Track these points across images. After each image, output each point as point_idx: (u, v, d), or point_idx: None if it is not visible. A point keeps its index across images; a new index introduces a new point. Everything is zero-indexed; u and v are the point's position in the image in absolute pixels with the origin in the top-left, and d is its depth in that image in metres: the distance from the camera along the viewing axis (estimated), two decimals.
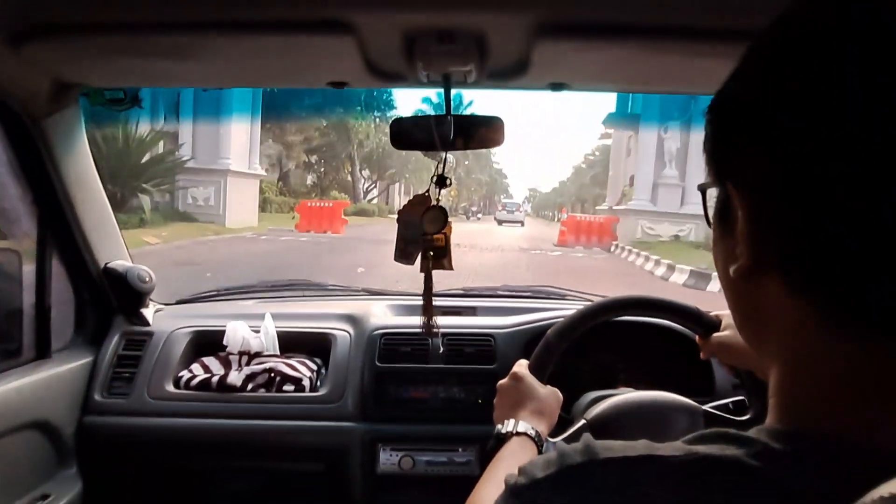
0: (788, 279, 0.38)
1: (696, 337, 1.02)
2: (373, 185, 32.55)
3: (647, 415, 1.01)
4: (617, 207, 19.20)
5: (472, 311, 1.70)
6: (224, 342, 1.48)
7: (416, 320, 1.28)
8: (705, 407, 1.07)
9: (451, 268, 1.12)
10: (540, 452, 0.89)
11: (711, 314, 1.01)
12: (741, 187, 0.40)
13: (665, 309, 1.06)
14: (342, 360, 1.45)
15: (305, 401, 1.40)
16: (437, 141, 1.09)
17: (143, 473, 1.42)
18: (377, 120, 26.93)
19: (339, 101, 22.37)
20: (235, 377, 1.41)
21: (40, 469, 1.29)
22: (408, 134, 1.15)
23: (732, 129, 0.41)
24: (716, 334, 0.98)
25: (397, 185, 35.26)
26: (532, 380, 0.99)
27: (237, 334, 1.48)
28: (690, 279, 10.84)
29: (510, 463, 0.83)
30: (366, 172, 31.51)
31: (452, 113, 1.09)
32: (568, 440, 0.98)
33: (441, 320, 1.54)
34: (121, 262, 1.49)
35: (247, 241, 13.11)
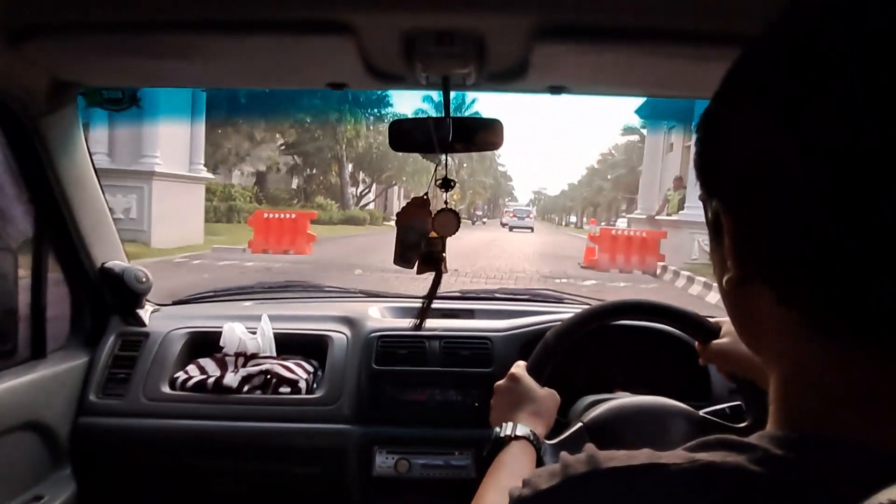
0: (775, 291, 0.39)
1: (696, 343, 1.02)
2: (367, 190, 29.22)
3: (644, 420, 1.01)
4: (660, 218, 14.71)
5: (469, 313, 1.70)
6: (220, 343, 1.47)
7: (413, 322, 1.28)
8: (703, 412, 1.07)
9: (446, 270, 1.13)
10: (539, 456, 0.89)
11: (712, 321, 1.01)
12: (724, 204, 0.41)
13: (666, 314, 1.06)
14: (339, 362, 1.45)
15: (301, 403, 1.40)
16: (435, 143, 1.09)
17: (137, 475, 1.42)
18: (371, 118, 23.86)
19: (322, 100, 19.31)
20: (231, 379, 1.40)
21: (34, 470, 1.29)
22: (406, 136, 1.15)
23: (714, 148, 0.42)
24: (715, 341, 0.98)
25: (396, 189, 33.20)
26: (530, 381, 0.99)
27: (234, 335, 1.47)
28: None
29: (511, 469, 0.83)
30: (359, 175, 28.71)
31: (454, 112, 1.09)
32: (565, 442, 0.98)
33: (438, 323, 1.55)
34: (117, 262, 1.49)
35: (171, 267, 9.26)
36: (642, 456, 0.40)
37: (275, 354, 1.49)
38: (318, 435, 1.37)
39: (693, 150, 0.45)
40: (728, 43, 0.78)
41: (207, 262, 10.57)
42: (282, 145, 23.76)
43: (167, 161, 11.90)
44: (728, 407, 1.10)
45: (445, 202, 1.12)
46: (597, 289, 9.43)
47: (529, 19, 0.86)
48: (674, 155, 17.36)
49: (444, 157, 1.12)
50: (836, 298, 0.35)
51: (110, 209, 1.49)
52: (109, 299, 1.50)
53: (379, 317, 1.59)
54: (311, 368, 1.47)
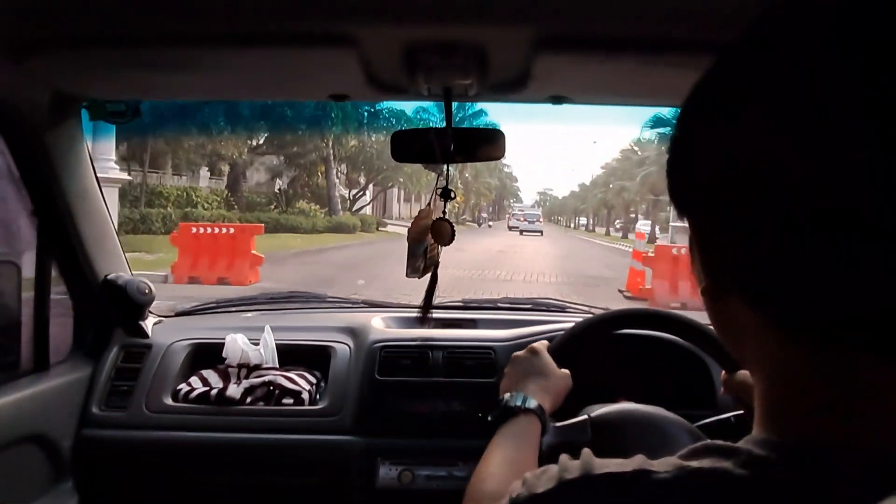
0: (744, 298, 0.40)
1: (722, 372, 1.02)
2: (361, 193, 26.02)
3: (649, 430, 1.01)
4: None
5: (472, 323, 1.69)
6: (223, 355, 1.47)
7: (417, 333, 1.28)
8: (707, 421, 1.07)
9: (436, 278, 1.17)
10: (544, 432, 0.90)
11: None
12: (691, 218, 0.43)
13: (700, 336, 1.06)
14: (341, 372, 1.45)
15: (304, 414, 1.39)
16: (437, 154, 1.10)
17: (140, 487, 1.41)
18: (365, 114, 20.18)
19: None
20: (234, 390, 1.40)
21: (37, 483, 1.28)
22: (408, 146, 1.16)
23: (680, 161, 0.44)
24: (742, 371, 0.98)
25: (396, 191, 31.33)
26: (548, 357, 1.01)
27: (236, 347, 1.47)
28: None
29: (518, 443, 0.85)
30: (352, 176, 25.64)
31: (458, 115, 1.10)
32: (568, 428, 0.98)
33: (441, 333, 1.54)
34: (121, 274, 1.49)
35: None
36: (633, 463, 0.42)
37: (277, 365, 1.49)
38: (321, 446, 1.37)
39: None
40: None
41: None
42: (259, 144, 20.65)
43: None
44: (733, 416, 1.10)
45: (444, 212, 1.13)
46: None
47: (530, 30, 0.86)
48: None
49: (445, 166, 1.13)
50: (798, 303, 0.37)
51: None
52: (112, 311, 1.50)
53: (382, 327, 1.59)
54: (313, 379, 1.47)
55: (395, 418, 1.39)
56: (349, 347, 1.49)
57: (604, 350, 1.35)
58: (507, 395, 0.92)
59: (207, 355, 1.50)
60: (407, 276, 1.15)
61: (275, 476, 1.38)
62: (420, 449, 1.37)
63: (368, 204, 27.09)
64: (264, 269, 9.16)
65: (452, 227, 1.13)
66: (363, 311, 1.81)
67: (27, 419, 1.24)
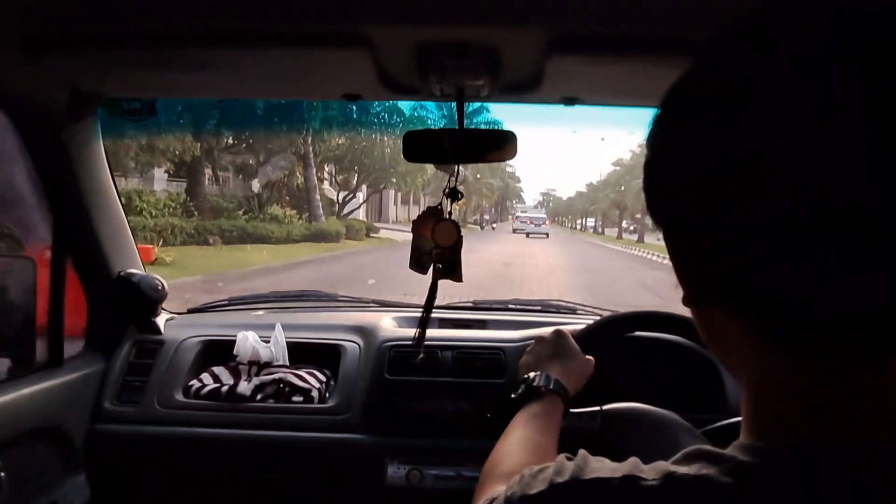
0: (721, 307, 0.41)
1: None
2: (351, 195, 22.40)
3: (659, 431, 1.00)
4: None
5: (482, 324, 1.69)
6: (234, 352, 1.48)
7: (427, 333, 1.28)
8: (718, 425, 1.06)
9: (460, 280, 1.13)
10: (566, 414, 0.91)
11: None
12: (665, 228, 0.43)
13: None
14: (351, 371, 1.45)
15: (314, 412, 1.40)
16: (449, 154, 1.10)
17: (150, 481, 1.42)
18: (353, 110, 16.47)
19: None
20: (245, 387, 1.41)
21: (50, 476, 1.30)
22: (420, 147, 1.16)
23: (653, 171, 0.44)
24: None
25: (391, 192, 29.04)
26: (573, 342, 1.01)
27: (247, 344, 1.48)
28: None
29: (540, 424, 0.85)
30: (339, 178, 22.47)
31: (463, 117, 1.10)
32: (577, 416, 0.99)
33: (450, 333, 1.55)
34: (134, 271, 1.51)
35: None
36: (624, 468, 0.42)
37: (288, 363, 1.50)
38: (330, 444, 1.37)
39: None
40: None
41: None
42: (231, 143, 17.50)
43: None
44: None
45: (449, 213, 1.13)
46: None
47: (543, 31, 0.86)
48: None
49: (456, 167, 1.13)
50: (790, 307, 0.37)
51: None
52: (126, 307, 1.52)
53: (392, 327, 1.59)
54: (323, 378, 1.48)
55: (403, 417, 1.39)
56: (359, 346, 1.50)
57: (618, 349, 1.35)
58: (531, 375, 0.93)
59: (218, 352, 1.51)
60: (410, 267, 1.15)
61: (284, 472, 1.39)
62: (429, 448, 1.37)
63: (359, 207, 23.75)
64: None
65: (458, 226, 1.13)
66: (373, 310, 1.81)
67: (41, 413, 1.26)
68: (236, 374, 1.46)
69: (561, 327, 1.05)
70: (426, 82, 1.02)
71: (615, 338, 1.05)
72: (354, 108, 15.42)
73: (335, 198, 22.50)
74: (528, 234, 33.51)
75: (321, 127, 15.42)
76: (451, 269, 1.12)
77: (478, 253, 15.06)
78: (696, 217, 0.40)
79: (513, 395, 0.92)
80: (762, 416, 0.41)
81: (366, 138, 19.39)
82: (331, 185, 23.02)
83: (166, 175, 17.75)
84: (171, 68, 1.07)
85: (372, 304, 1.89)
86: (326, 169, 21.93)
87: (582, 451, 0.47)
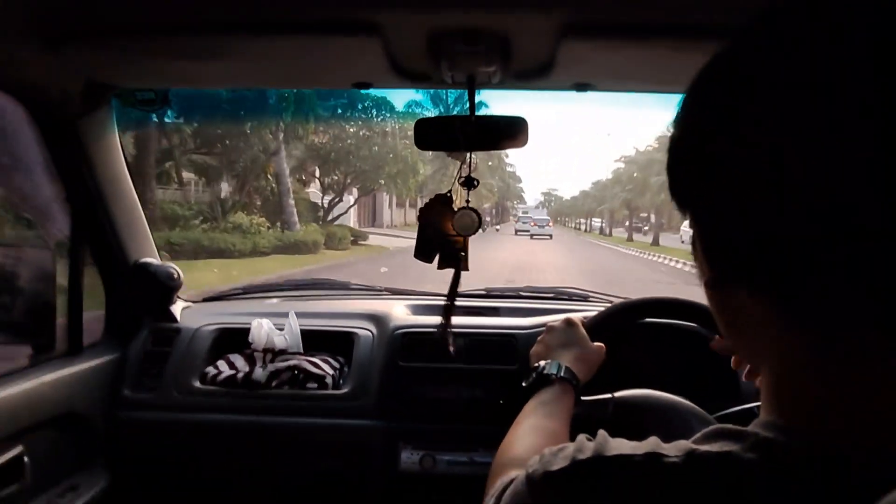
0: (746, 288, 0.41)
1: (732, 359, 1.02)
2: (337, 199, 19.24)
3: (671, 418, 1.00)
4: None
5: (494, 311, 1.70)
6: (249, 339, 1.50)
7: (439, 320, 1.29)
8: (730, 412, 1.06)
9: (467, 268, 1.14)
10: (577, 401, 0.91)
11: None
12: (690, 208, 0.44)
13: None
14: (364, 358, 1.46)
15: (328, 398, 1.41)
16: (461, 141, 1.10)
17: (168, 466, 1.45)
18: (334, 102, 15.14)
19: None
20: (260, 374, 1.43)
21: (70, 461, 1.33)
22: (431, 134, 1.16)
23: (679, 152, 0.44)
24: None
25: (385, 195, 25.87)
26: (583, 330, 1.02)
27: (262, 332, 1.50)
28: None
29: (551, 411, 0.86)
30: (325, 179, 19.53)
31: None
32: (590, 403, 0.99)
33: (463, 320, 1.55)
34: (151, 260, 1.53)
35: None
36: (646, 446, 0.42)
37: (302, 350, 1.51)
38: (343, 430, 1.39)
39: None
40: None
41: None
42: (194, 143, 15.21)
43: None
44: (756, 406, 1.09)
45: (467, 201, 1.13)
46: None
47: (555, 17, 0.86)
48: None
49: (468, 155, 1.13)
50: (795, 291, 0.37)
51: None
52: (143, 296, 1.54)
53: (404, 314, 1.60)
54: (337, 364, 1.49)
55: (416, 404, 1.41)
56: (372, 334, 1.51)
57: (630, 336, 1.34)
58: (542, 363, 0.93)
59: (234, 340, 1.53)
60: (415, 256, 1.15)
61: (298, 457, 1.41)
62: (441, 434, 1.39)
63: (346, 211, 20.51)
64: None
65: (479, 215, 1.13)
66: (386, 298, 1.82)
67: (61, 400, 1.28)
68: (251, 362, 1.48)
69: (572, 315, 1.06)
70: (437, 69, 1.01)
71: (626, 325, 1.05)
72: (338, 101, 14.68)
73: (320, 202, 19.86)
74: (532, 236, 33.12)
75: (293, 121, 13.98)
76: (458, 258, 1.13)
77: (477, 263, 12.44)
78: (724, 184, 0.40)
79: (524, 384, 0.93)
80: (783, 394, 0.42)
81: (352, 136, 17.46)
82: (317, 188, 20.59)
83: None
84: (185, 58, 1.08)
85: (384, 292, 1.90)
86: (309, 170, 19.62)
87: (601, 432, 0.48)
